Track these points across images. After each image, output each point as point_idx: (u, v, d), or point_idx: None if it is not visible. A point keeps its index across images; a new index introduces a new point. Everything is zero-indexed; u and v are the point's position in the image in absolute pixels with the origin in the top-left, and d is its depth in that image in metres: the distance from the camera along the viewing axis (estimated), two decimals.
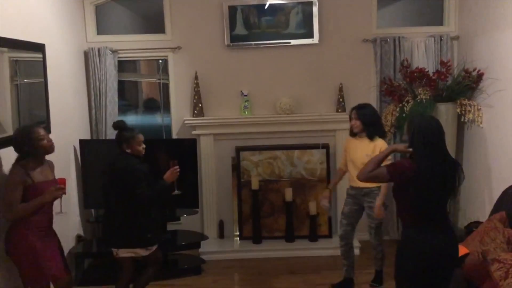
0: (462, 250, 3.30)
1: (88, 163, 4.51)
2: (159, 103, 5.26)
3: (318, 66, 4.96)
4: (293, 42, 4.89)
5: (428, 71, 4.59)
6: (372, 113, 3.83)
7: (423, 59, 4.81)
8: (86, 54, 4.83)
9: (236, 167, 4.96)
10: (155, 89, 5.40)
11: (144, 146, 3.49)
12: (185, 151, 4.59)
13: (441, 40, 4.79)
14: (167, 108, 5.14)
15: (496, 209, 3.50)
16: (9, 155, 3.30)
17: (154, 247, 3.45)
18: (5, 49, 3.31)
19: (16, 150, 3.01)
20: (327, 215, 4.94)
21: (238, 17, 4.83)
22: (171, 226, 4.78)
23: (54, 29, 4.18)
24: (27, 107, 3.73)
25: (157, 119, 5.36)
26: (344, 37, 4.92)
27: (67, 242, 4.29)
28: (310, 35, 4.85)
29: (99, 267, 4.46)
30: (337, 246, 4.67)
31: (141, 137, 3.47)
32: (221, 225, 5.08)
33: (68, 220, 4.33)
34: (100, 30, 4.97)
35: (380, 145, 3.73)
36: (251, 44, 4.90)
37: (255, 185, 4.86)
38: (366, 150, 3.72)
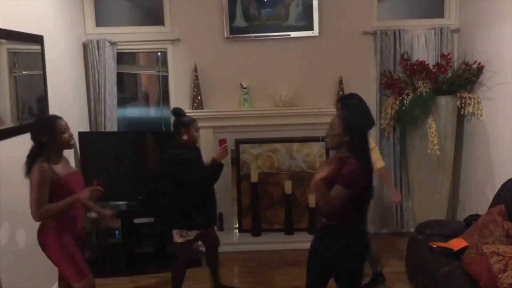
0: (461, 243, 3.32)
1: (87, 156, 4.50)
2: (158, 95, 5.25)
3: (318, 58, 4.94)
4: (293, 34, 4.86)
5: (428, 64, 4.57)
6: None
7: (424, 51, 4.79)
8: (85, 46, 4.80)
9: (235, 160, 4.96)
10: (154, 82, 5.39)
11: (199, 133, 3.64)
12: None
13: (441, 32, 4.77)
14: (166, 100, 5.12)
15: (495, 202, 3.50)
16: (9, 147, 3.30)
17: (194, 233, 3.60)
18: (4, 40, 3.30)
19: (33, 138, 2.84)
20: None
21: (237, 9, 4.80)
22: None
23: (52, 21, 4.15)
24: (26, 99, 3.72)
25: (156, 111, 5.36)
26: (344, 29, 4.90)
27: None
28: (310, 28, 4.83)
29: (99, 259, 4.46)
30: None
31: (197, 124, 3.63)
32: (220, 218, 5.08)
33: None
34: (99, 22, 4.94)
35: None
36: (251, 37, 4.88)
37: (254, 177, 4.86)
38: None
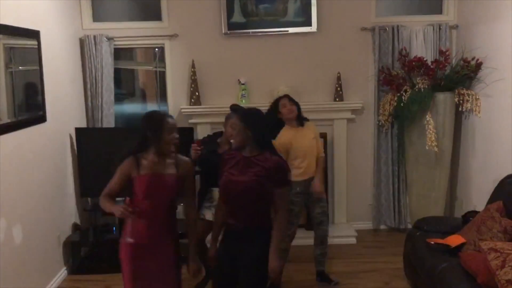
0: (459, 239, 3.32)
1: (84, 152, 4.48)
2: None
3: (316, 54, 4.92)
4: (291, 30, 4.85)
5: (426, 60, 4.56)
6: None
7: (422, 48, 4.78)
8: (81, 42, 4.78)
9: None
10: (152, 77, 5.36)
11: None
12: (182, 140, 4.55)
13: (440, 29, 4.76)
14: (163, 96, 5.10)
15: (493, 198, 3.50)
16: (5, 143, 3.28)
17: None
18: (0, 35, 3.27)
19: (139, 134, 2.72)
20: None
21: (235, 5, 4.78)
22: None
23: (49, 16, 4.12)
24: (22, 94, 3.70)
25: (153, 107, 5.33)
26: (342, 25, 4.88)
27: (64, 231, 4.29)
28: (308, 23, 4.81)
29: (96, 255, 4.45)
30: (333, 235, 4.70)
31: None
32: None
33: (64, 208, 4.33)
34: (96, 17, 4.91)
35: (313, 127, 3.89)
36: (249, 32, 4.86)
37: None
38: (311, 134, 3.83)
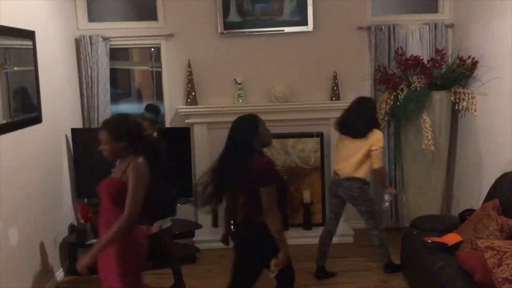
0: (456, 238, 3.33)
1: (80, 152, 4.47)
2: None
3: (313, 54, 4.92)
4: (287, 29, 4.84)
5: (422, 59, 4.57)
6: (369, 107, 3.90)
7: (418, 47, 4.79)
8: (77, 42, 4.76)
9: None
10: (148, 77, 5.35)
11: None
12: (179, 140, 4.56)
13: (435, 28, 4.77)
14: (160, 96, 5.09)
15: (489, 197, 3.51)
16: (2, 143, 3.26)
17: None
18: None
19: (121, 137, 2.62)
20: (320, 204, 4.95)
21: (231, 4, 4.77)
22: None
23: (44, 16, 4.11)
24: (18, 95, 3.68)
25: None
26: (338, 24, 4.89)
27: (60, 232, 4.28)
28: (305, 23, 4.81)
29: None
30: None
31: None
32: (215, 214, 5.06)
33: (61, 209, 4.31)
34: (91, 17, 4.90)
35: (376, 137, 3.84)
36: (245, 32, 4.85)
37: None
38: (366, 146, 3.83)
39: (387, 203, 3.97)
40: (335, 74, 4.87)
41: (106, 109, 4.79)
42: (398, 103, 4.46)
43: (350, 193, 3.88)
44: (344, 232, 4.82)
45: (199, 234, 4.74)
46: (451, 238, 3.35)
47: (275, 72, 4.94)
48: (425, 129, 4.35)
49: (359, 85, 4.92)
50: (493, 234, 3.07)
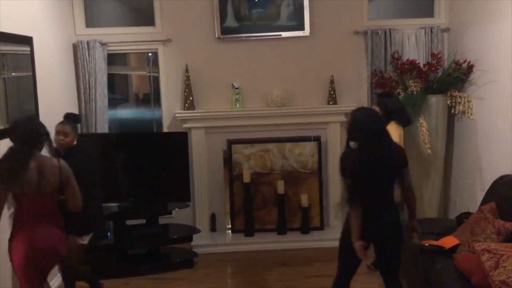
0: (453, 241, 3.34)
1: (78, 157, 4.45)
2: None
3: (309, 58, 4.94)
4: (284, 34, 4.87)
5: (418, 63, 4.59)
6: (394, 101, 3.94)
7: (414, 51, 4.81)
8: (75, 47, 4.77)
9: (227, 160, 4.95)
10: (146, 82, 5.36)
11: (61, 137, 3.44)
12: (176, 144, 4.58)
13: (431, 32, 4.80)
14: (157, 101, 5.10)
15: (486, 200, 3.52)
16: (0, 149, 3.26)
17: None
18: None
19: (27, 141, 2.79)
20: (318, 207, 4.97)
21: (228, 9, 4.80)
22: (162, 220, 4.77)
23: (42, 22, 4.12)
24: (16, 101, 3.68)
25: (147, 112, 5.34)
26: (335, 29, 4.91)
27: None
28: (301, 27, 4.84)
29: (91, 261, 4.43)
30: (329, 238, 4.70)
31: (56, 127, 3.43)
32: (213, 218, 5.07)
33: None
34: (89, 23, 4.91)
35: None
36: (242, 37, 4.87)
37: (247, 178, 4.85)
38: None
39: None
40: (332, 78, 4.89)
41: (103, 114, 4.80)
42: None
43: None
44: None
45: (197, 239, 4.74)
46: (448, 241, 3.36)
47: (272, 76, 4.96)
48: (421, 132, 4.38)
49: (356, 89, 4.94)
50: (490, 237, 3.08)
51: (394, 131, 3.75)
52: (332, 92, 4.88)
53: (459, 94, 4.43)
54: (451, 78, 4.48)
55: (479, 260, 2.74)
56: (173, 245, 4.68)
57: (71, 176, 2.90)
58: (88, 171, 3.33)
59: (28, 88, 3.81)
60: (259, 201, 4.98)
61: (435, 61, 4.54)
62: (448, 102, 4.47)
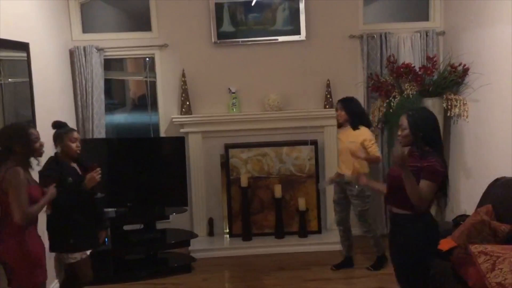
0: (449, 243, 3.34)
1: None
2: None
3: (306, 62, 4.96)
4: (280, 38, 4.89)
5: (414, 67, 4.62)
6: (355, 104, 4.09)
7: (410, 54, 4.84)
8: (71, 53, 4.77)
9: (225, 164, 4.96)
10: (142, 87, 5.37)
11: (78, 144, 3.31)
12: (174, 149, 4.58)
13: (427, 35, 4.83)
14: (154, 106, 5.11)
15: (482, 202, 3.54)
16: None
17: (79, 255, 3.24)
18: None
19: (2, 145, 2.81)
20: (315, 210, 4.97)
21: (225, 14, 4.82)
22: (160, 225, 4.76)
23: (38, 28, 4.12)
24: (12, 106, 3.69)
25: (144, 117, 5.34)
26: (331, 33, 4.93)
27: None
28: (297, 32, 4.86)
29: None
30: (327, 242, 4.71)
31: (73, 134, 3.32)
32: (210, 223, 5.07)
33: None
34: (85, 29, 4.92)
35: (363, 132, 3.99)
36: (238, 41, 4.89)
37: (244, 182, 4.86)
38: (349, 137, 3.99)
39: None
40: (328, 82, 4.91)
41: (100, 120, 4.80)
42: (391, 110, 4.51)
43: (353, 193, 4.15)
44: (339, 239, 4.83)
45: (195, 243, 4.73)
46: (445, 244, 3.36)
47: (268, 80, 4.98)
48: None
49: (352, 92, 4.92)
50: (486, 239, 3.10)
51: (367, 133, 3.98)
52: (328, 96, 4.90)
53: (454, 97, 4.45)
54: (446, 81, 4.50)
55: (475, 262, 2.75)
56: (171, 250, 4.67)
57: (12, 188, 2.72)
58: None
59: (24, 94, 3.81)
60: (257, 205, 4.98)
61: (431, 64, 4.57)
62: (444, 105, 4.49)
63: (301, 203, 4.87)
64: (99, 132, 4.79)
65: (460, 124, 4.57)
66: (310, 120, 4.93)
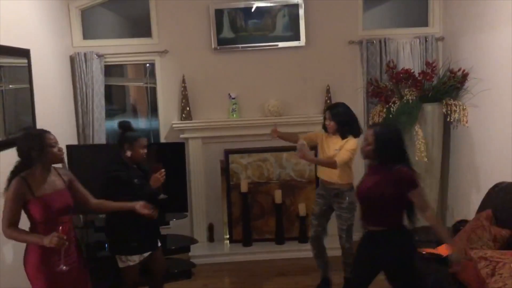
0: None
1: (76, 169, 4.44)
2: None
3: (305, 68, 4.98)
4: (280, 44, 4.90)
5: (414, 72, 4.63)
6: (345, 113, 3.77)
7: (409, 60, 4.85)
8: (72, 59, 4.80)
9: (225, 170, 4.96)
10: (143, 93, 5.39)
11: (145, 150, 3.34)
12: (174, 155, 4.57)
13: (426, 41, 4.84)
14: (155, 112, 5.12)
15: (482, 207, 3.54)
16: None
17: (137, 258, 3.31)
18: None
19: (20, 155, 2.72)
20: None
21: (225, 20, 4.84)
22: (160, 231, 4.74)
23: (39, 34, 4.14)
24: (13, 112, 3.70)
25: (145, 123, 5.35)
26: (330, 39, 4.95)
27: None
28: (297, 38, 4.87)
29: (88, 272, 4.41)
30: (327, 247, 4.68)
31: (144, 141, 3.35)
32: (210, 229, 5.07)
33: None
34: (86, 35, 4.94)
35: (349, 142, 3.70)
36: (238, 47, 4.91)
37: (244, 187, 4.86)
38: (336, 145, 3.74)
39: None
40: (328, 87, 4.92)
41: (101, 125, 4.81)
42: (391, 116, 4.51)
43: (342, 205, 3.96)
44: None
45: (195, 249, 4.73)
46: (445, 249, 3.36)
47: (268, 86, 4.99)
48: (417, 141, 4.40)
49: (352, 98, 4.95)
50: (486, 245, 3.10)
51: (352, 142, 3.69)
52: (328, 101, 4.91)
53: (454, 102, 4.46)
54: (446, 87, 4.52)
55: (475, 267, 2.74)
56: (171, 256, 4.66)
57: (4, 198, 2.70)
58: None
59: (25, 100, 3.82)
60: (257, 211, 4.98)
61: (430, 69, 4.58)
62: (444, 110, 4.50)
63: (301, 209, 4.87)
64: (100, 138, 4.80)
65: (459, 129, 4.58)
66: (310, 126, 4.93)
